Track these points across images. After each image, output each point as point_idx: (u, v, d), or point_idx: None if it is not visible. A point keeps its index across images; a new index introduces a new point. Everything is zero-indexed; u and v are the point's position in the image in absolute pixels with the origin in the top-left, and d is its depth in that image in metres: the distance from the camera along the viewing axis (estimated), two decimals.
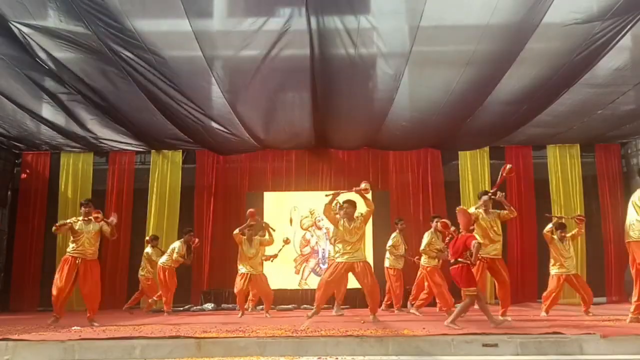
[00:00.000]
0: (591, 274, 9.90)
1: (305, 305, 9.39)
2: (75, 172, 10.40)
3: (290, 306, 9.38)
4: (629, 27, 5.53)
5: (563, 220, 7.42)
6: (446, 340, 4.22)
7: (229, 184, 10.56)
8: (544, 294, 7.24)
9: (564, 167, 10.31)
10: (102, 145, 9.91)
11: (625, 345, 4.08)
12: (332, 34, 5.85)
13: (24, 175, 10.46)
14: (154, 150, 10.44)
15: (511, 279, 9.89)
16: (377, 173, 10.63)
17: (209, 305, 9.36)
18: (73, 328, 5.59)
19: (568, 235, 7.22)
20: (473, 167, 10.33)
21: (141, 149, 10.37)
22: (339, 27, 5.74)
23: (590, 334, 4.23)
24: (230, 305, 9.16)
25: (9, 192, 10.36)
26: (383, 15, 5.74)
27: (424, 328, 4.91)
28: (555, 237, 7.14)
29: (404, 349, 4.16)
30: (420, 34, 5.80)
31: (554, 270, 7.16)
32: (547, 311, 7.03)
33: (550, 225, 7.26)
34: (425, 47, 6.14)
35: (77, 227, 6.33)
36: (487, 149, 10.36)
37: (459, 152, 10.45)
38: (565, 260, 7.09)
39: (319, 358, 3.98)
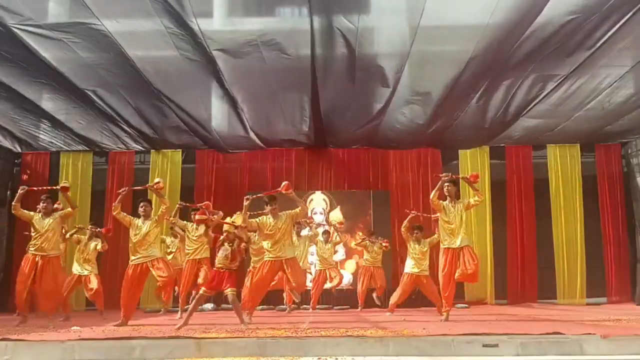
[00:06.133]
0: (591, 274, 9.91)
1: (305, 306, 9.39)
2: (75, 172, 10.38)
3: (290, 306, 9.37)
4: (625, 17, 5.54)
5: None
6: (446, 340, 4.22)
7: (229, 183, 10.55)
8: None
9: (564, 167, 10.30)
10: (104, 145, 9.95)
11: (625, 345, 4.08)
12: (333, 33, 5.86)
13: (24, 177, 10.44)
14: (153, 150, 10.44)
15: (511, 279, 10.02)
16: (377, 173, 10.62)
17: (208, 305, 9.34)
18: (73, 328, 5.59)
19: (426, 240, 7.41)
20: (473, 167, 10.30)
21: (141, 149, 10.38)
22: (340, 26, 5.75)
23: (590, 334, 4.23)
24: (230, 306, 9.13)
25: (9, 192, 10.34)
26: (383, 14, 5.75)
27: (424, 328, 4.91)
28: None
29: (404, 349, 4.15)
30: (420, 33, 5.81)
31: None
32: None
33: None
34: (425, 46, 6.15)
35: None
36: (487, 148, 10.36)
37: (459, 152, 10.43)
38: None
39: (319, 358, 3.98)
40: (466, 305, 9.20)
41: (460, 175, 6.62)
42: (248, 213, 6.04)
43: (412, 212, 7.56)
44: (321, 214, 10.27)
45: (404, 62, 6.51)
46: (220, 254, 5.60)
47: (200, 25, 5.71)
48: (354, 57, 6.36)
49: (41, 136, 9.56)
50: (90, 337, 4.54)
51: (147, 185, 6.69)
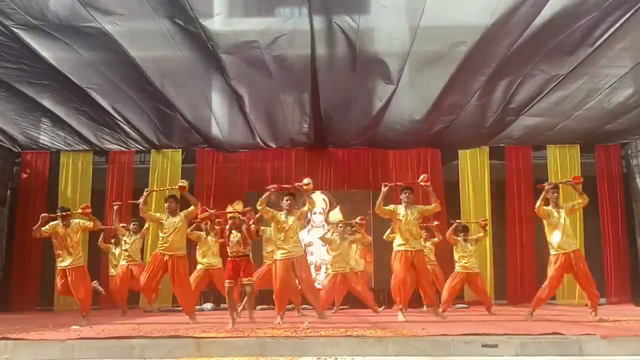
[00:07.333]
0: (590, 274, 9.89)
1: (305, 306, 9.37)
2: (75, 171, 10.38)
3: (289, 306, 9.36)
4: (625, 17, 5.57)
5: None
6: (446, 340, 4.22)
7: (229, 183, 10.54)
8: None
9: (563, 168, 10.28)
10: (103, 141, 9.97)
11: (625, 346, 4.08)
12: (333, 33, 5.88)
13: (24, 176, 10.44)
14: (153, 150, 10.44)
15: (510, 279, 10.02)
16: (377, 173, 10.60)
17: (208, 305, 9.35)
18: (72, 327, 5.59)
19: (471, 238, 7.71)
20: (473, 167, 10.32)
21: (141, 148, 10.38)
22: (340, 26, 5.76)
23: (590, 334, 4.24)
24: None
25: (9, 192, 10.34)
26: (383, 14, 5.76)
27: (423, 328, 4.91)
28: (459, 238, 7.65)
29: (404, 349, 4.16)
30: (420, 33, 5.83)
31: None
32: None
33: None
34: (425, 46, 6.17)
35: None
36: (486, 149, 10.36)
37: (459, 152, 10.43)
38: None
39: (318, 358, 3.98)
40: (466, 306, 9.20)
41: (564, 180, 6.70)
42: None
43: (456, 222, 8.05)
44: (321, 214, 10.27)
45: (404, 61, 6.53)
46: (232, 242, 5.82)
47: (200, 26, 5.72)
48: (353, 57, 6.37)
49: (41, 136, 9.57)
50: (90, 337, 4.54)
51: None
